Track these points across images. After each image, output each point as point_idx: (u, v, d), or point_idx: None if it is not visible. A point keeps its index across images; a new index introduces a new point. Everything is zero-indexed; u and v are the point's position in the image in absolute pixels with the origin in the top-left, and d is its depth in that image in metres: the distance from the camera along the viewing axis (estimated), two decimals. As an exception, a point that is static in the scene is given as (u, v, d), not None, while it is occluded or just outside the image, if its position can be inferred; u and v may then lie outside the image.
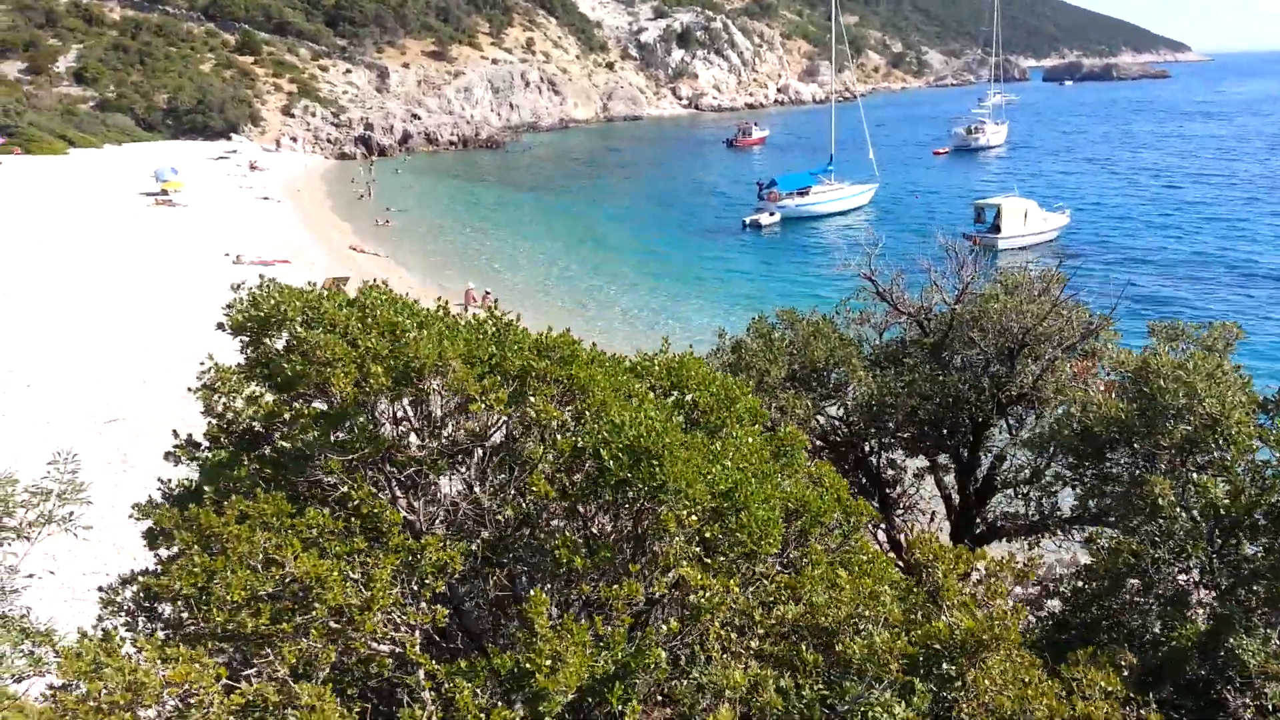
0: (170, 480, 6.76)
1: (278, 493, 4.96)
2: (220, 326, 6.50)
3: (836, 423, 10.23)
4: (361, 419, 5.15)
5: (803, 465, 5.62)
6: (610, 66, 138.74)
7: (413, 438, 5.33)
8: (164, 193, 53.76)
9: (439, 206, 60.92)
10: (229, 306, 6.38)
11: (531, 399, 5.00)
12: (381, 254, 43.91)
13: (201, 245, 41.60)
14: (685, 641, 4.66)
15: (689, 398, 5.64)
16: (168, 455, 6.88)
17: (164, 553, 5.64)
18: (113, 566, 14.40)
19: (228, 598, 4.37)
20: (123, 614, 5.48)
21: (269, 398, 6.06)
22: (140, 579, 5.24)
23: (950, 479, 10.08)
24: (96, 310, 29.50)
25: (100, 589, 5.96)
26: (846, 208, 55.24)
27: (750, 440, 5.27)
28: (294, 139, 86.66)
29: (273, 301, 5.68)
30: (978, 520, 9.65)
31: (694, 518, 4.58)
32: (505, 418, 5.13)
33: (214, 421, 6.32)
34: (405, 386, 5.11)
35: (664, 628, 4.53)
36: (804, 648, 4.57)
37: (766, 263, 44.61)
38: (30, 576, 5.86)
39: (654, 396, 5.39)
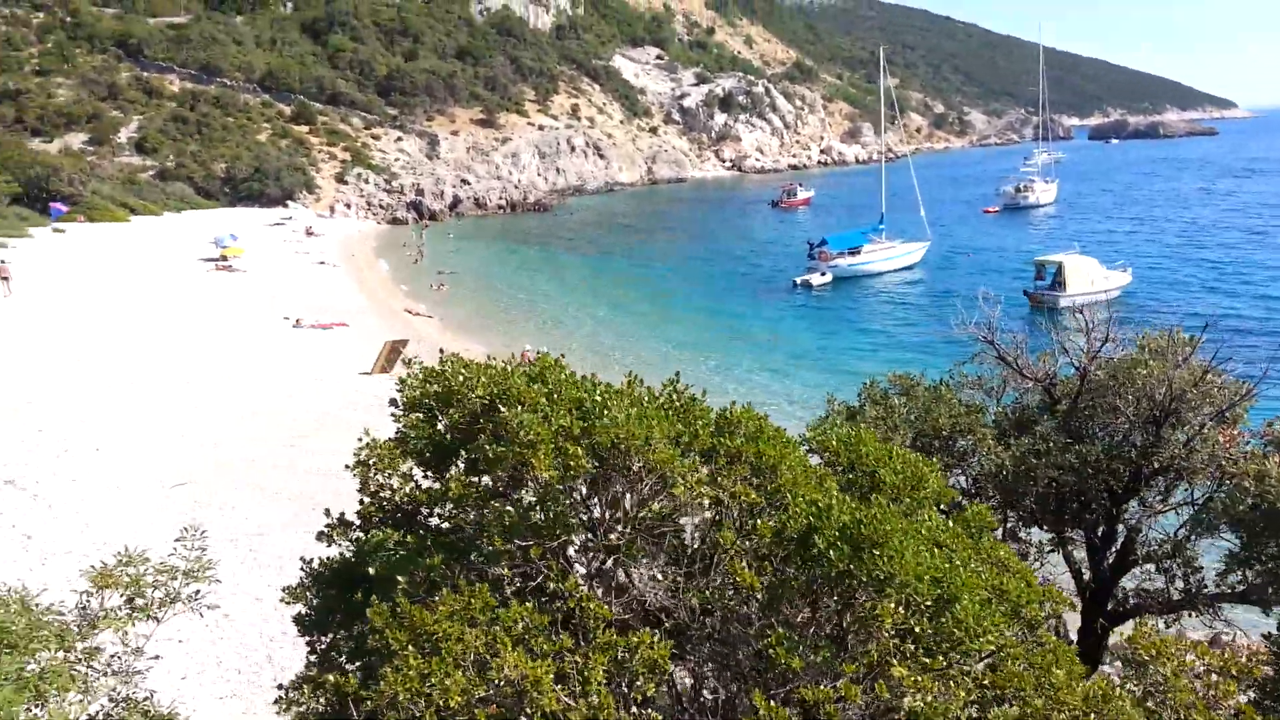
0: (311, 560, 6.46)
1: (481, 585, 4.61)
2: (393, 403, 6.24)
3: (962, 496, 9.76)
4: (558, 503, 4.80)
5: (994, 548, 5.18)
6: (654, 131, 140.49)
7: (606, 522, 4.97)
8: (223, 258, 54.70)
9: (490, 269, 61.41)
10: (401, 382, 6.13)
11: (721, 479, 4.64)
12: (435, 317, 44.17)
13: (261, 309, 42.11)
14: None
15: (870, 476, 5.23)
16: (320, 535, 6.61)
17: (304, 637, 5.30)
18: (225, 635, 14.17)
19: (447, 704, 4.01)
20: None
21: (417, 473, 5.77)
22: (332, 680, 4.89)
23: (1080, 553, 9.53)
24: (161, 374, 29.75)
25: (281, 690, 5.69)
26: (898, 266, 54.88)
27: (949, 524, 4.86)
28: (347, 205, 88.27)
29: (461, 377, 5.38)
30: (1112, 597, 9.08)
31: (901, 610, 4.17)
32: (702, 500, 4.75)
33: (367, 500, 6.05)
34: (608, 468, 4.77)
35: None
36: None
37: (819, 322, 44.22)
38: (156, 658, 5.56)
39: (833, 475, 5.00)
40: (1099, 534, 9.06)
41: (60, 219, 63.00)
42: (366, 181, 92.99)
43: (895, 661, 4.02)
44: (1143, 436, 8.71)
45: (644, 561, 4.85)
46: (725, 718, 4.19)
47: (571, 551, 4.96)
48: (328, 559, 6.48)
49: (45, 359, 29.60)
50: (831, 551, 4.11)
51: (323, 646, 6.08)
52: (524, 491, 5.17)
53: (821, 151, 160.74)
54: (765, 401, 29.84)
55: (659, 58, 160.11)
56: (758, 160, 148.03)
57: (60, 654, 4.79)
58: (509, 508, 4.97)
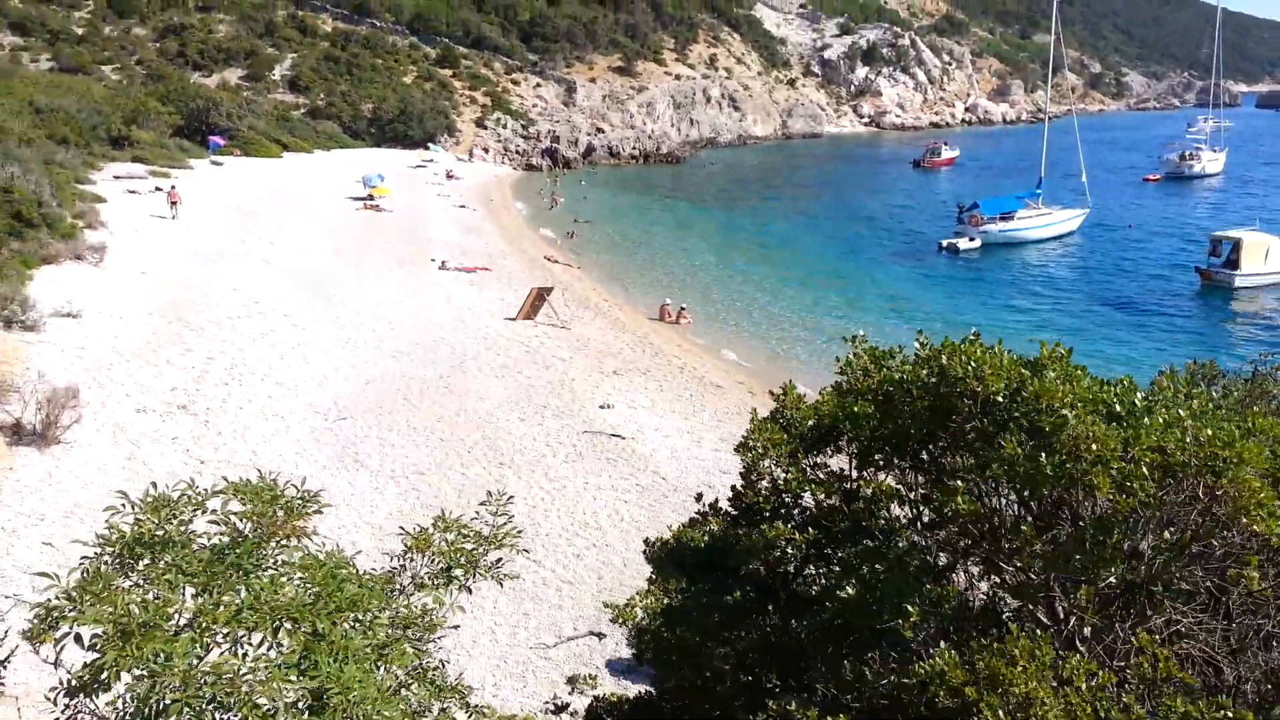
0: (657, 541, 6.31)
1: (1018, 630, 4.07)
2: (839, 389, 5.96)
3: None
4: (1109, 534, 4.14)
5: None
6: (792, 83, 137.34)
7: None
8: (370, 197, 56.02)
9: (622, 219, 61.23)
10: (846, 365, 5.74)
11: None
12: (575, 265, 44.30)
13: (407, 249, 42.97)
14: None
15: None
16: (693, 521, 6.57)
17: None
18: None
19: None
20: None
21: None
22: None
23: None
24: (315, 309, 30.64)
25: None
26: (1054, 234, 52.27)
27: None
28: (485, 150, 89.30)
29: (970, 365, 4.70)
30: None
31: None
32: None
33: (745, 486, 5.75)
34: (1173, 492, 4.14)
35: None
36: None
37: (971, 289, 42.47)
38: (455, 628, 5.40)
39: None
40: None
41: (217, 152, 65.52)
42: (504, 127, 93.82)
43: None
44: None
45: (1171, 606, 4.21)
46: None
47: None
48: (693, 543, 6.25)
49: (210, 287, 30.82)
50: None
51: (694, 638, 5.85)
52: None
53: (967, 109, 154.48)
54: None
55: (802, 6, 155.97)
56: (898, 116, 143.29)
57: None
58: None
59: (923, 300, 39.64)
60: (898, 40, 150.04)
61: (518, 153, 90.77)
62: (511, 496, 5.66)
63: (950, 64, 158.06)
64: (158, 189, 46.47)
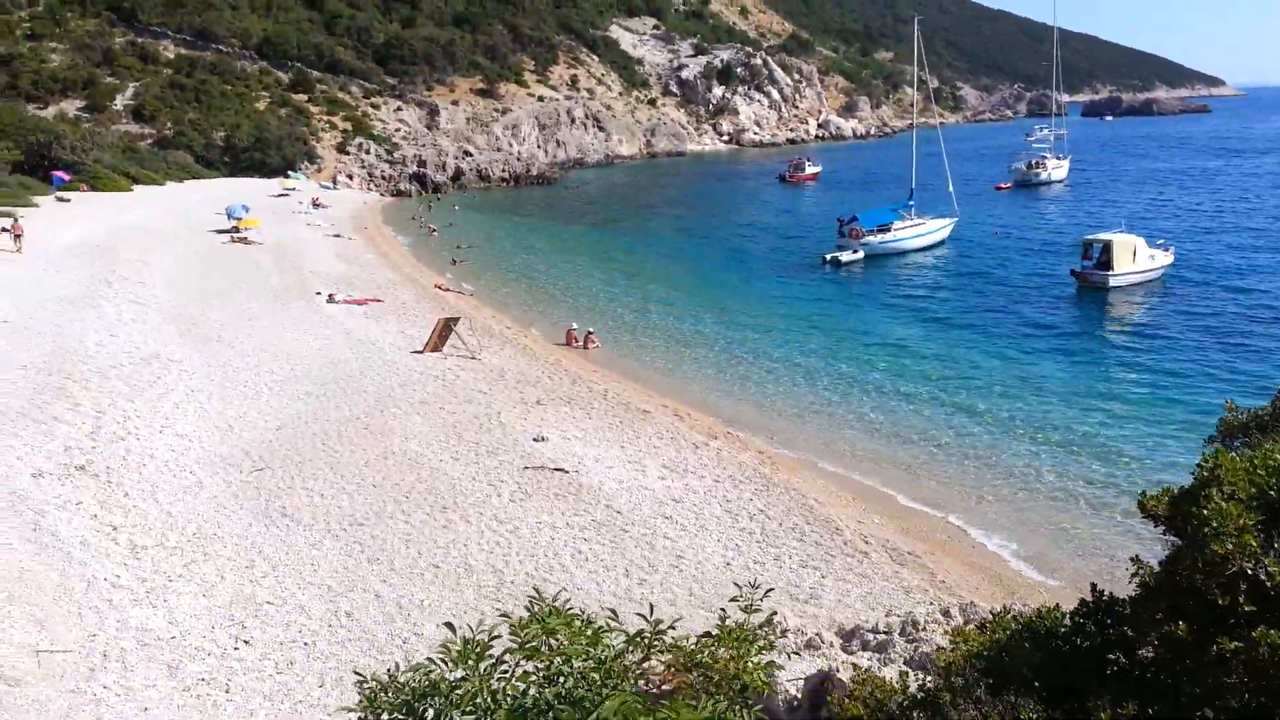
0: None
1: None
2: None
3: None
4: None
5: None
6: (652, 103, 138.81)
7: None
8: (237, 229, 53.22)
9: (505, 244, 60.19)
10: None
11: None
12: (466, 292, 43.05)
13: (288, 283, 40.86)
14: None
15: None
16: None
17: None
18: (352, 635, 13.16)
19: None
20: None
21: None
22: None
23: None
24: (201, 351, 28.60)
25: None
26: (928, 243, 54.08)
27: None
28: (350, 176, 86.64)
29: None
30: None
31: None
32: None
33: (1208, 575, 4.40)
34: None
35: None
36: None
37: (860, 300, 43.27)
38: None
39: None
40: None
41: (62, 188, 61.22)
42: (368, 152, 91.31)
43: None
44: None
45: None
46: None
47: None
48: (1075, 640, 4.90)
49: (85, 335, 28.35)
50: None
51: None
52: None
53: (819, 125, 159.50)
54: (823, 382, 29.01)
55: (656, 28, 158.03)
56: (756, 134, 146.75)
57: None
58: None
59: (816, 313, 40.08)
60: (750, 60, 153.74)
61: (384, 178, 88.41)
62: (770, 589, 4.94)
63: (800, 82, 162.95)
64: (1, 229, 42.84)
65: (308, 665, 12.71)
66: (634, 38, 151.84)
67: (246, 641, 13.17)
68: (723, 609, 4.84)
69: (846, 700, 4.61)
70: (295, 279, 42.07)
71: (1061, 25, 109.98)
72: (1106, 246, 40.65)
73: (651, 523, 17.65)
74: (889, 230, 52.91)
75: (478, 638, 4.06)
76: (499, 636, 4.26)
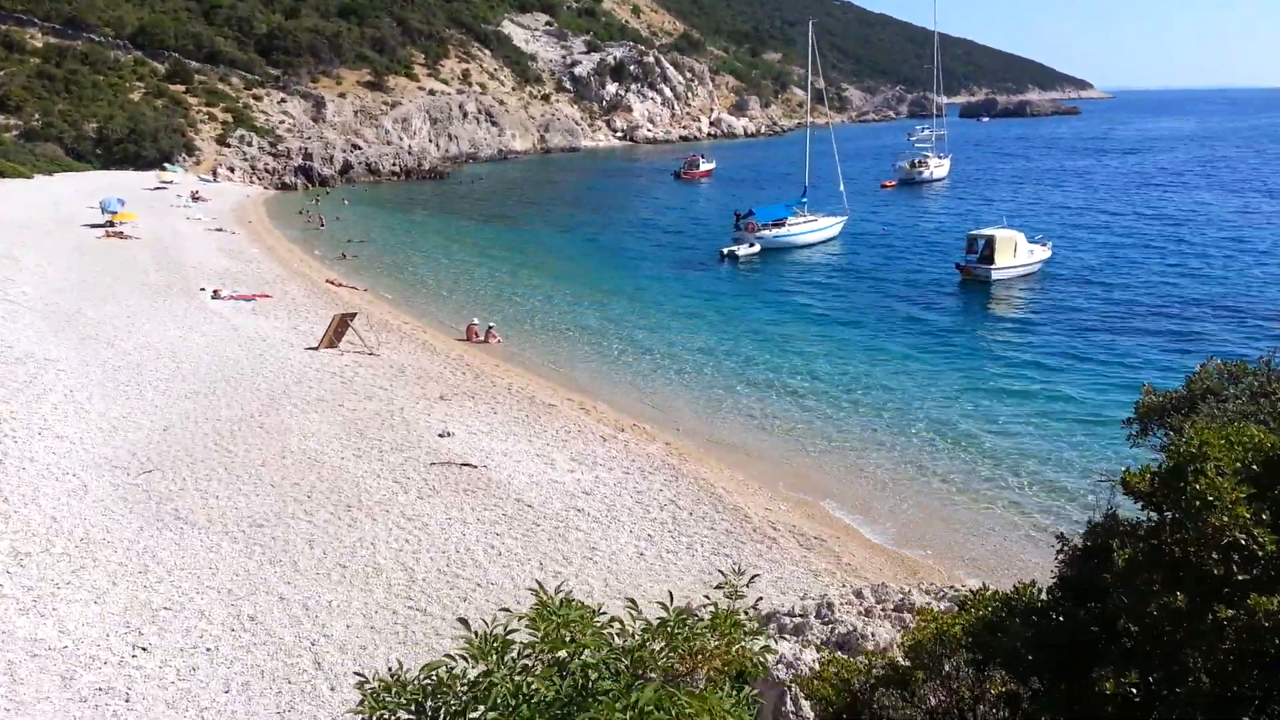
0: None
1: None
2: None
3: None
4: None
5: None
6: (546, 99, 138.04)
7: None
8: (112, 224, 50.81)
9: (397, 238, 59.01)
10: None
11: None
12: (360, 287, 42.02)
13: (170, 279, 39.21)
14: None
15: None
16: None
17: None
18: (257, 639, 12.64)
19: None
20: None
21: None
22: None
23: None
24: (80, 349, 27.20)
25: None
26: (821, 238, 55.25)
27: None
28: (231, 169, 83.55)
29: None
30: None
31: None
32: None
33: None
34: None
35: None
36: None
37: (756, 292, 43.86)
38: None
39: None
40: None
41: (-83, 180, 57.43)
42: (250, 144, 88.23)
43: None
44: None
45: None
46: None
47: None
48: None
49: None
50: None
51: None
52: None
53: (711, 124, 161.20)
54: (712, 373, 29.34)
55: (549, 24, 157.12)
56: (649, 131, 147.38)
57: None
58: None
59: (713, 305, 40.51)
60: (643, 58, 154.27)
61: (268, 171, 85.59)
62: (757, 575, 4.91)
63: (692, 80, 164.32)
64: None
65: (211, 671, 12.21)
66: (526, 33, 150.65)
67: (144, 649, 12.59)
68: (707, 595, 4.82)
69: (815, 681, 4.62)
70: (177, 274, 40.42)
71: (941, 30, 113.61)
72: (989, 241, 42.20)
73: (563, 515, 17.54)
74: (783, 225, 53.85)
75: (494, 631, 3.92)
76: (516, 631, 4.12)
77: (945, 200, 78.55)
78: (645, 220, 68.72)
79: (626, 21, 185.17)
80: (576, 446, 21.61)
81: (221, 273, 41.39)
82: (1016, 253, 42.30)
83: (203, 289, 37.10)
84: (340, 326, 29.05)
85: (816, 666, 5.41)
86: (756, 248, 51.78)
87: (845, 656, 4.96)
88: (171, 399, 23.39)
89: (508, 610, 4.37)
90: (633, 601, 4.47)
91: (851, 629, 11.10)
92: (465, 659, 3.95)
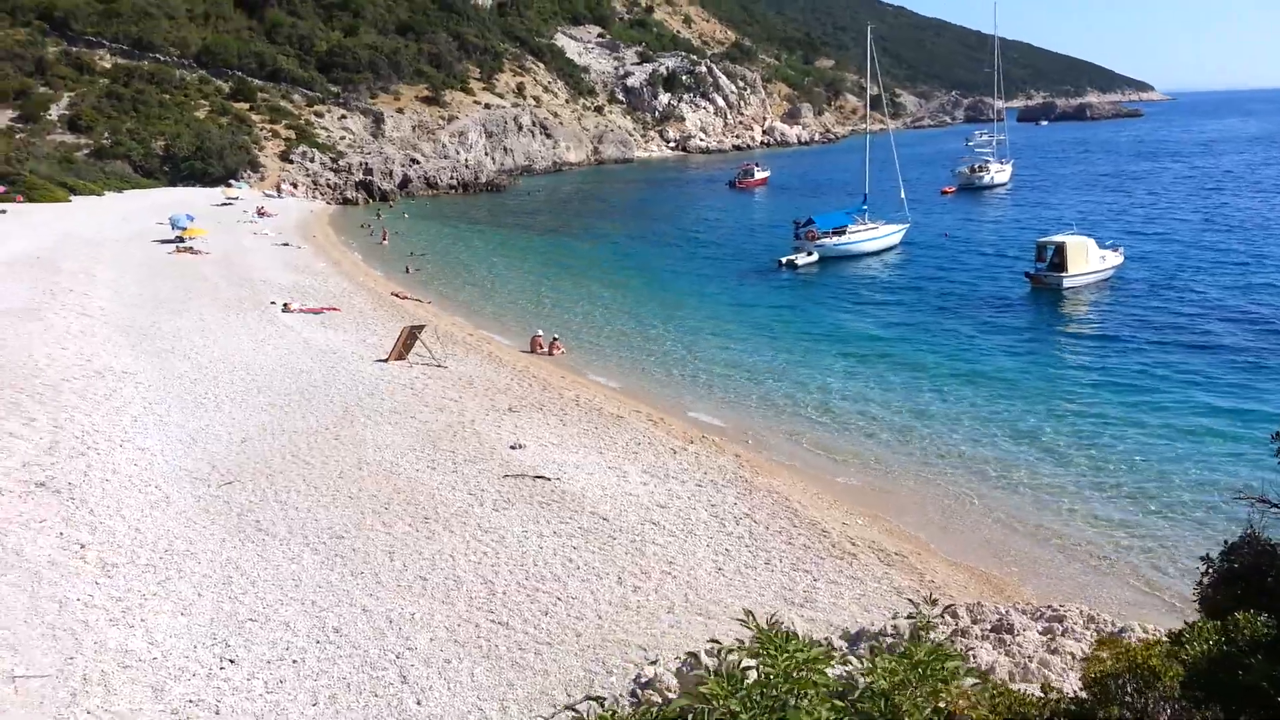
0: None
1: None
2: None
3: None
4: None
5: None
6: (599, 110, 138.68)
7: None
8: (182, 239, 51.93)
9: (459, 251, 59.50)
10: None
11: None
12: (425, 300, 42.39)
13: (241, 293, 39.89)
14: None
15: None
16: None
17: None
18: (342, 651, 12.66)
19: None
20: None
21: None
22: None
23: None
24: (159, 362, 27.72)
25: None
26: (882, 246, 54.54)
27: None
28: (294, 184, 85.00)
29: None
30: None
31: None
32: None
33: None
34: None
35: None
36: None
37: (816, 301, 43.36)
38: None
39: None
40: None
41: (-3, 199, 59.27)
42: (312, 160, 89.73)
43: None
44: None
45: None
46: None
47: None
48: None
49: (33, 348, 27.31)
50: None
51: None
52: None
53: (764, 132, 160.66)
54: (785, 389, 28.96)
55: (600, 36, 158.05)
56: (702, 140, 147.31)
57: None
58: None
59: (776, 317, 40.09)
60: (695, 67, 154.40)
61: (329, 186, 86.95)
62: (950, 605, 4.67)
63: (745, 89, 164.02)
64: (-64, 241, 41.28)
65: (299, 684, 12.23)
66: (579, 46, 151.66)
67: (232, 660, 12.66)
68: (897, 624, 4.57)
69: (977, 710, 4.32)
70: (247, 289, 41.10)
71: (1000, 33, 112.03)
72: (1060, 249, 41.27)
73: (639, 529, 17.38)
74: (844, 233, 53.29)
75: (727, 662, 3.66)
76: (751, 666, 3.81)
77: (1008, 206, 77.23)
78: (702, 230, 68.54)
79: (678, 32, 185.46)
80: (648, 459, 21.45)
81: (290, 287, 42.01)
82: (1089, 259, 41.33)
83: (273, 302, 37.65)
84: (409, 339, 29.26)
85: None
86: (815, 256, 51.29)
87: (1012, 687, 4.65)
88: (248, 411, 23.69)
89: (716, 641, 4.04)
90: (875, 644, 4.10)
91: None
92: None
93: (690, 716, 3.37)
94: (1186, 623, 4.97)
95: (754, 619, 3.98)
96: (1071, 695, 4.63)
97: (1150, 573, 17.21)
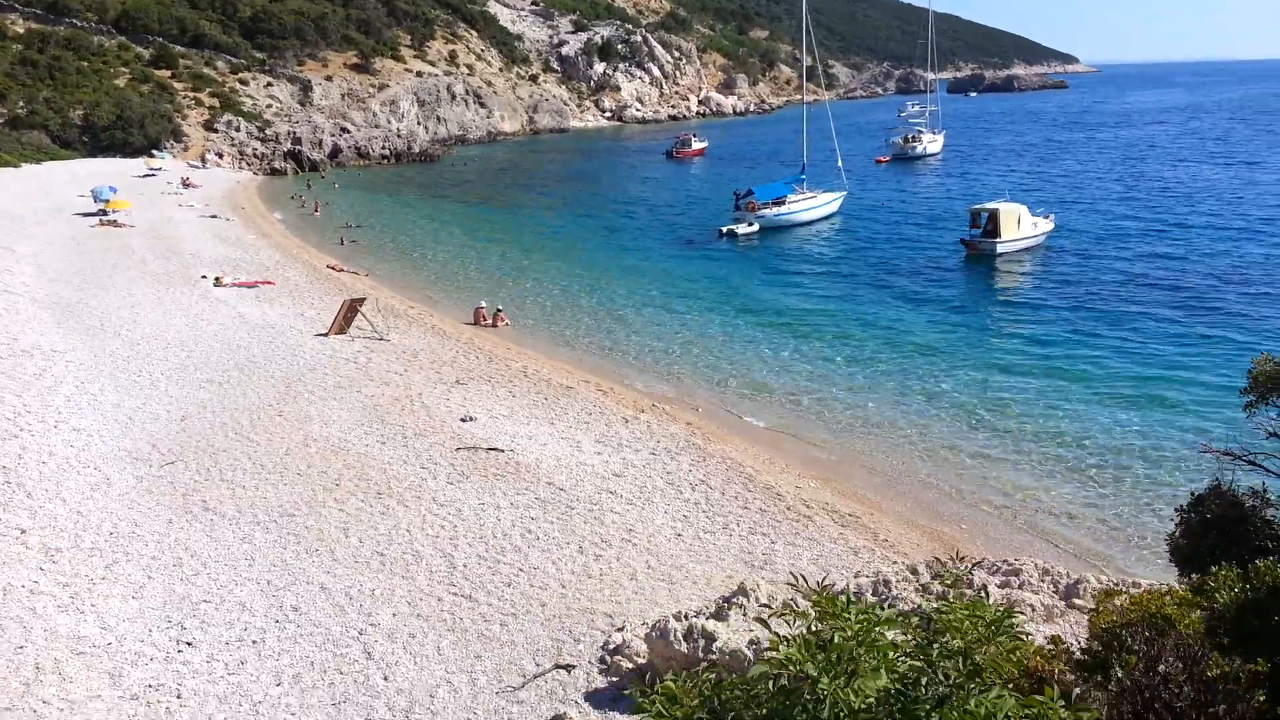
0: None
1: None
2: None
3: None
4: None
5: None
6: (534, 79, 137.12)
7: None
8: (104, 212, 50.21)
9: (394, 223, 58.50)
10: None
11: None
12: (361, 273, 41.62)
13: (170, 267, 38.77)
14: None
15: None
16: None
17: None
18: (303, 630, 12.43)
19: None
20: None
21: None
22: None
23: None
24: (87, 340, 26.83)
25: None
26: (820, 215, 55.01)
27: None
28: (219, 155, 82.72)
29: None
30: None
31: None
32: None
33: None
34: None
35: None
36: None
37: (756, 270, 43.51)
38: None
39: None
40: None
41: (-97, 171, 56.60)
42: (238, 129, 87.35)
43: None
44: None
45: None
46: None
47: None
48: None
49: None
50: None
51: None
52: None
53: (700, 102, 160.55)
54: (734, 356, 29.14)
55: (534, 3, 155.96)
56: (638, 110, 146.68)
57: None
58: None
59: (717, 284, 40.18)
60: (630, 36, 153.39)
61: (256, 156, 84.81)
62: (979, 561, 4.67)
63: (680, 59, 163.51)
64: None
65: (260, 664, 12.00)
66: (512, 13, 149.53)
67: (189, 643, 12.36)
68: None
69: (999, 660, 4.35)
70: (176, 262, 39.97)
71: (930, 6, 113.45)
72: (993, 215, 42.03)
73: (596, 498, 17.35)
74: (783, 203, 53.57)
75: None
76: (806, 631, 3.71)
77: (941, 175, 78.37)
78: (640, 200, 68.35)
79: (613, 1, 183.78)
80: (600, 428, 21.41)
81: (220, 260, 40.93)
82: (1020, 226, 42.17)
83: (204, 276, 36.67)
84: (350, 312, 28.73)
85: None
86: (755, 226, 51.51)
87: (1014, 639, 4.70)
88: (186, 388, 23.07)
89: (791, 606, 3.99)
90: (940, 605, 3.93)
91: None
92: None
93: (770, 683, 3.35)
94: (1200, 576, 5.07)
95: (804, 582, 3.97)
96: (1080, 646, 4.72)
97: (1090, 529, 17.74)
